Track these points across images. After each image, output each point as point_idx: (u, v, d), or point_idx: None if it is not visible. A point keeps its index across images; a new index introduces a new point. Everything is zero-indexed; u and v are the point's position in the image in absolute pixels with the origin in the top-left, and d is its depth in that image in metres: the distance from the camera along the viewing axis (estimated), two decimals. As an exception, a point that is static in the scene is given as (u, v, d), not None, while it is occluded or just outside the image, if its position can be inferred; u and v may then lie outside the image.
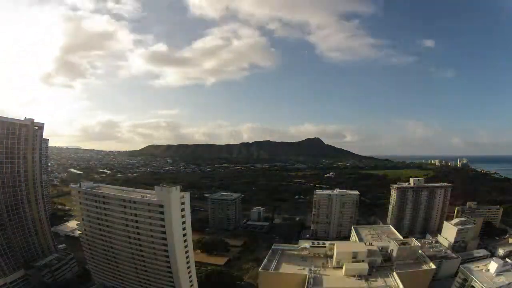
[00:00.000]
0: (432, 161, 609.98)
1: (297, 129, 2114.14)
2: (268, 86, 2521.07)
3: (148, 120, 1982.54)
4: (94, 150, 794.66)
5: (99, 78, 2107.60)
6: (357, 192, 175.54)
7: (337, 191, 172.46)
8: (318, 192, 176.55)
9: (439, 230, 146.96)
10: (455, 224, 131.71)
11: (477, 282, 68.51)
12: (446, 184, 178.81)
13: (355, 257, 65.74)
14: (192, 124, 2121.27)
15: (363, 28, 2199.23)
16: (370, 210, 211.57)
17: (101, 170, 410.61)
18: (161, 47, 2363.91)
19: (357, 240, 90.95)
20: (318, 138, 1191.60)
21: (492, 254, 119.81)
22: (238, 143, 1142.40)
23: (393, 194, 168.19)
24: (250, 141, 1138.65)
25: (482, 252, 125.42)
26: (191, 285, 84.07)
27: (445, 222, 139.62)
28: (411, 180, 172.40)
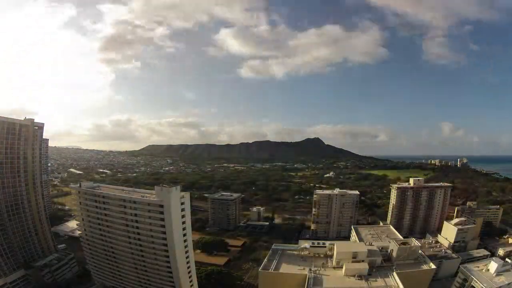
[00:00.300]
0: (432, 161, 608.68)
1: (312, 129, 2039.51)
2: (353, 82, 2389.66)
3: (171, 119, 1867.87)
4: (94, 150, 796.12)
5: (145, 67, 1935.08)
6: (357, 192, 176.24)
7: (337, 191, 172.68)
8: (318, 192, 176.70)
9: (439, 230, 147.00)
10: (455, 224, 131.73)
11: (477, 282, 68.49)
12: (446, 184, 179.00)
13: (355, 257, 65.68)
14: (220, 124, 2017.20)
15: (472, 34, 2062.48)
16: (370, 210, 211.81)
17: (101, 170, 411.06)
18: (264, 30, 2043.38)
19: (357, 240, 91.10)
20: (318, 138, 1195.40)
21: (492, 254, 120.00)
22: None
23: (393, 194, 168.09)
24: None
25: (482, 252, 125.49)
26: (191, 285, 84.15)
27: (445, 222, 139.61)
28: (411, 180, 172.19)
